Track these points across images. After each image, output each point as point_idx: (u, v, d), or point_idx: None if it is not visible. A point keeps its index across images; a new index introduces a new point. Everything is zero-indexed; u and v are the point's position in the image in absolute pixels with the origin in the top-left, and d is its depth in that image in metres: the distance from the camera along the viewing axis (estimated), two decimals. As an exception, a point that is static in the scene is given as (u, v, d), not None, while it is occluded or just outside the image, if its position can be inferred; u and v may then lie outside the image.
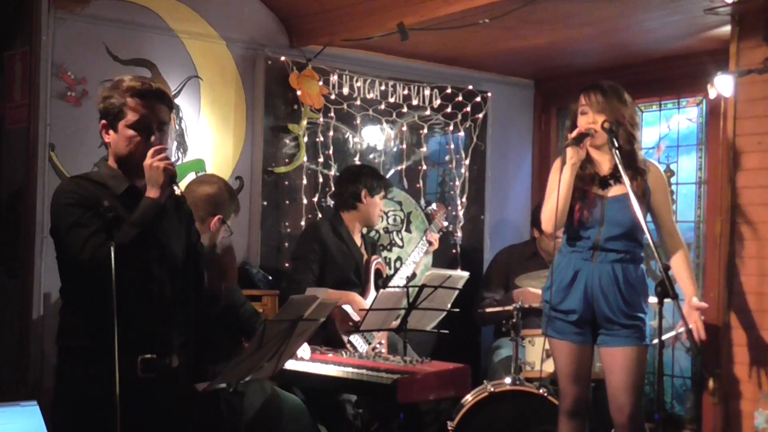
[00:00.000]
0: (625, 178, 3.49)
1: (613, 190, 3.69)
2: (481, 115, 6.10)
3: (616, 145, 3.55)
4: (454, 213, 5.99)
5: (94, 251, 2.70)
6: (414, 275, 5.08)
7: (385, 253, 5.68)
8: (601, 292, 3.65)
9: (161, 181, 2.78)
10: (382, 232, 5.69)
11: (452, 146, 6.03)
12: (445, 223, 5.51)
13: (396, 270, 5.24)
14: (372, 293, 4.84)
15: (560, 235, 3.93)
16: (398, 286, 4.58)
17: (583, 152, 3.65)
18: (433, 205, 5.60)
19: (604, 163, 3.74)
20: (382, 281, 4.95)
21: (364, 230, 5.11)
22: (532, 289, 4.87)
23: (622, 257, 3.67)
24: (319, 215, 5.40)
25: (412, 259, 5.16)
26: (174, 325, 2.98)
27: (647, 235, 3.37)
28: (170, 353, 2.93)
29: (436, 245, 5.29)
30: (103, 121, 2.89)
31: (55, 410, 2.87)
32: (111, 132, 2.88)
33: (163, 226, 2.86)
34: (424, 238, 5.26)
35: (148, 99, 2.85)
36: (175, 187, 2.83)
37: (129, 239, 2.72)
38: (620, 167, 3.51)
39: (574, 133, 3.64)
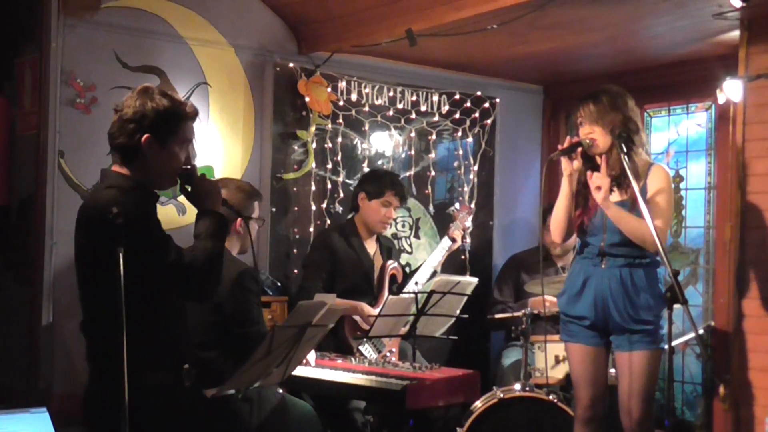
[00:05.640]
0: (634, 183, 3.49)
1: (614, 196, 3.69)
2: (489, 121, 6.09)
3: (624, 150, 3.55)
4: (462, 219, 5.96)
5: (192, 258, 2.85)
6: (435, 273, 5.01)
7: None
8: (610, 296, 3.65)
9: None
10: (390, 238, 5.68)
11: (461, 152, 6.02)
12: (468, 224, 5.36)
13: (413, 272, 5.15)
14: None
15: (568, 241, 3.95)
16: (407, 292, 4.57)
17: (577, 162, 3.68)
18: (456, 205, 5.48)
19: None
20: (397, 286, 4.92)
21: (387, 234, 5.04)
22: (549, 297, 4.85)
23: (630, 261, 3.67)
24: (328, 221, 5.40)
25: (431, 262, 5.07)
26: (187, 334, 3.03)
27: (656, 239, 3.37)
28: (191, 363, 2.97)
29: (459, 242, 5.13)
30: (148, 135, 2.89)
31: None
32: (154, 145, 2.90)
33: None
34: (446, 237, 5.12)
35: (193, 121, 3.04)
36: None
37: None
38: (628, 172, 3.51)
39: (565, 144, 3.68)
